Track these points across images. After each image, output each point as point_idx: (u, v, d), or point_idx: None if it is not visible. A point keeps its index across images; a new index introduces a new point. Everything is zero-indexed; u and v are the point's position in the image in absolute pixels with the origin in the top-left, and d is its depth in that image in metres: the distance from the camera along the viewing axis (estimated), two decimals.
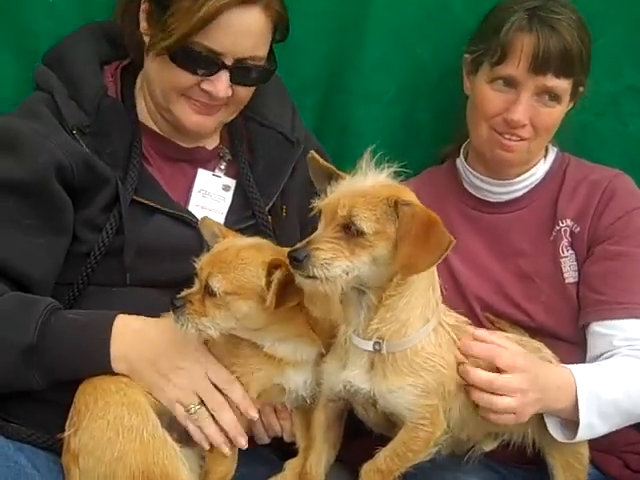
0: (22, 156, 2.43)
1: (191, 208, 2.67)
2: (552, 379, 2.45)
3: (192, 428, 2.35)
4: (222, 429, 2.35)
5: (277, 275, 2.20)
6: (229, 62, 2.52)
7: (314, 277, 2.11)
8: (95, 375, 2.35)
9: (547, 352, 2.57)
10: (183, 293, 2.30)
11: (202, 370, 2.35)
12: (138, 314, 2.42)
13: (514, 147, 2.72)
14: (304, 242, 2.13)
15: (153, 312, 2.44)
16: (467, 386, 2.33)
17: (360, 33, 3.01)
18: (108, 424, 2.25)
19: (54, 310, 2.37)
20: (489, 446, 2.54)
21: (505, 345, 2.38)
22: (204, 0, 2.42)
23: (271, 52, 2.63)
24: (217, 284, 2.24)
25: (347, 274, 2.13)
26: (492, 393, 2.31)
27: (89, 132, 2.54)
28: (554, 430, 2.48)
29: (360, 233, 2.13)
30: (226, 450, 2.36)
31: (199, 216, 2.60)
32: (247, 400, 2.36)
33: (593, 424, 2.47)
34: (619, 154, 3.06)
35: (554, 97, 2.68)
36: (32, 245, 2.44)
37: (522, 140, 2.71)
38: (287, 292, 2.20)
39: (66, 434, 2.32)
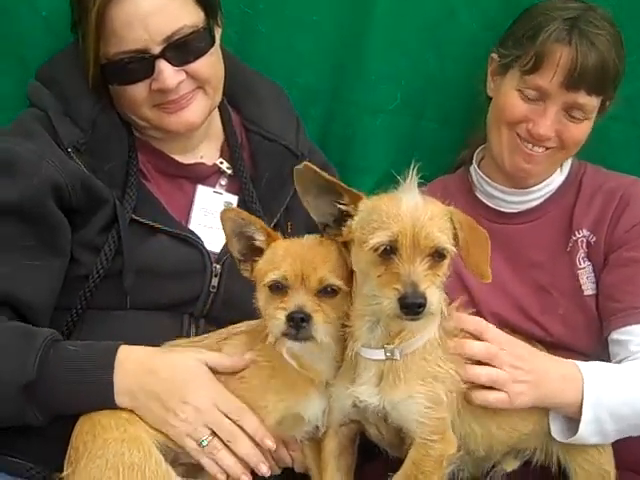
0: (17, 177, 2.36)
1: (192, 227, 2.58)
2: (555, 367, 2.38)
3: (206, 462, 2.25)
4: (241, 459, 2.25)
5: None
6: (156, 50, 2.42)
7: (427, 316, 2.05)
8: (97, 410, 2.25)
9: None
10: (293, 307, 2.12)
11: (210, 401, 2.24)
12: (139, 338, 2.33)
13: (535, 158, 2.65)
14: (407, 284, 2.00)
15: (155, 336, 2.37)
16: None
17: (364, 42, 2.95)
18: (107, 463, 2.16)
19: (53, 342, 2.28)
20: (510, 465, 2.46)
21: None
22: (88, 12, 2.37)
23: (206, 13, 2.51)
24: (337, 281, 2.15)
25: None
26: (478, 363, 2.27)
27: (85, 150, 2.48)
28: (556, 431, 2.39)
29: (444, 257, 2.08)
30: None
31: (202, 235, 2.54)
32: (262, 429, 2.25)
33: (602, 419, 2.37)
34: (635, 159, 2.99)
35: (582, 113, 2.61)
36: (29, 268, 2.37)
37: (546, 150, 2.64)
38: None
39: (64, 474, 2.23)
